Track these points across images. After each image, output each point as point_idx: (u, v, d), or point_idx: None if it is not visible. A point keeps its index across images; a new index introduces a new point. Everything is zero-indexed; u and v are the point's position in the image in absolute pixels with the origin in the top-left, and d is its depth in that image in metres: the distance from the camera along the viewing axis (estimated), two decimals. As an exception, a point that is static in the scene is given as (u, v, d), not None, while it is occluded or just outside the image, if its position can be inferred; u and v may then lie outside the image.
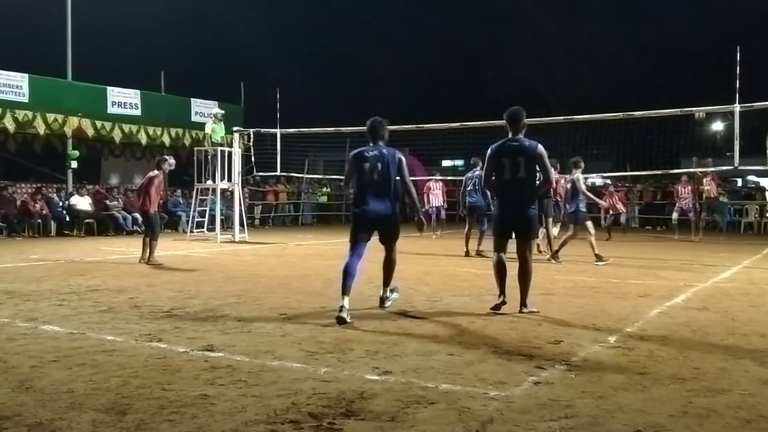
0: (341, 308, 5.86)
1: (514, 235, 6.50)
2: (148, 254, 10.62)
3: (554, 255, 10.94)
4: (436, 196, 18.27)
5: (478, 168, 11.70)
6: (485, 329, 5.59)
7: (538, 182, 6.71)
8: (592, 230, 11.07)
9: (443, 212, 18.69)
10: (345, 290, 6.02)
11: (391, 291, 6.68)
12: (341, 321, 5.74)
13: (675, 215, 17.64)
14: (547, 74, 33.50)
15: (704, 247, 14.74)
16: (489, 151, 6.50)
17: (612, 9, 33.20)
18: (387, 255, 6.58)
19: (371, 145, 6.47)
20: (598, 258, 10.70)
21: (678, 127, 17.14)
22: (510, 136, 6.42)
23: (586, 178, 12.21)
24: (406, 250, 13.43)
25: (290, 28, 38.89)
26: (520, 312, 6.30)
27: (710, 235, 17.86)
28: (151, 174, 10.91)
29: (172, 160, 18.62)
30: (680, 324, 5.87)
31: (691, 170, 17.89)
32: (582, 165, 11.13)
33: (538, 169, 6.42)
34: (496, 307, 6.29)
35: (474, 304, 6.88)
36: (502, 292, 6.36)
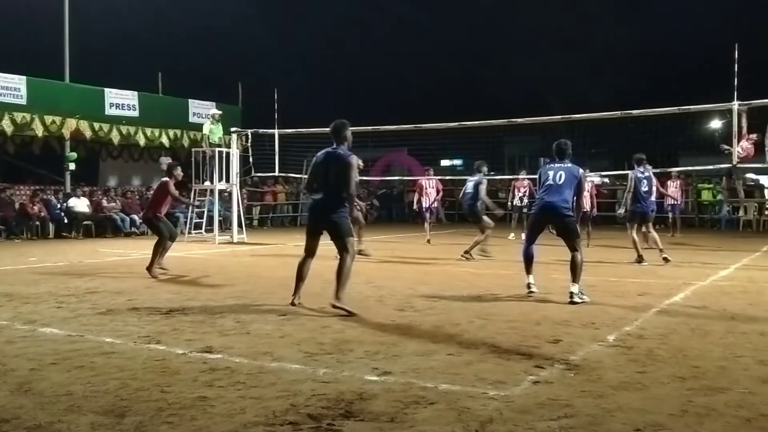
0: (528, 285, 7.38)
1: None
2: (159, 258, 9.56)
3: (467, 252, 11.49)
4: (428, 195, 15.91)
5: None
6: (484, 329, 5.59)
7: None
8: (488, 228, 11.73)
9: (434, 213, 16.60)
10: (528, 270, 7.46)
11: (581, 293, 7.06)
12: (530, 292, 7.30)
13: (671, 214, 17.74)
14: (546, 74, 33.56)
15: (696, 245, 14.76)
16: (314, 157, 6.98)
17: (612, 8, 33.25)
18: (571, 256, 7.24)
19: (557, 160, 7.62)
20: (466, 253, 11.46)
21: (676, 126, 17.12)
22: (334, 146, 6.86)
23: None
24: (407, 252, 13.43)
25: (288, 28, 38.88)
26: (333, 307, 6.34)
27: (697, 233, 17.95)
28: (161, 182, 10.18)
29: (170, 161, 18.69)
30: (679, 322, 5.87)
31: (681, 169, 18.00)
32: (485, 169, 11.96)
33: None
34: (292, 303, 6.70)
35: (473, 303, 6.88)
36: (296, 292, 6.78)
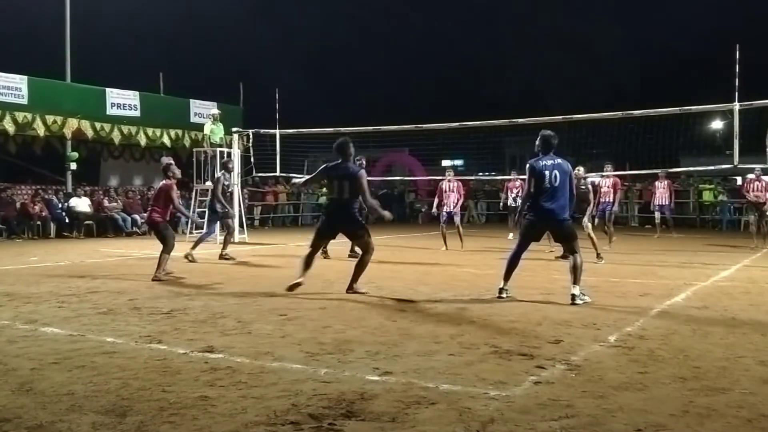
0: (502, 290, 7.17)
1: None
2: (157, 268, 9.14)
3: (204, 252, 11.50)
4: (447, 197, 14.20)
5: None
6: (485, 329, 5.59)
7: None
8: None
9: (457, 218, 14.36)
10: (507, 277, 7.23)
11: (583, 294, 6.98)
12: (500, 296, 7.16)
13: (657, 215, 17.67)
14: (546, 74, 33.55)
15: (693, 245, 14.76)
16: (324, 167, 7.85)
17: (612, 9, 33.23)
18: (572, 259, 7.10)
19: (546, 155, 7.23)
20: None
21: (677, 126, 17.14)
22: (339, 161, 7.59)
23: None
24: (406, 252, 13.44)
25: (289, 28, 38.93)
26: (349, 292, 7.42)
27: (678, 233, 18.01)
28: (164, 184, 9.61)
29: (170, 160, 18.67)
30: (680, 323, 5.87)
31: (682, 169, 17.85)
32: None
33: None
34: (292, 287, 7.42)
35: (474, 303, 6.88)
36: (302, 274, 7.51)
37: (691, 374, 4.23)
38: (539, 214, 7.07)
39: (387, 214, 7.92)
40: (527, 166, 7.30)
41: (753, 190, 14.49)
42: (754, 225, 14.60)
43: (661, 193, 17.51)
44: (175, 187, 9.58)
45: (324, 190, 26.65)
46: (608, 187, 13.98)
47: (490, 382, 4.04)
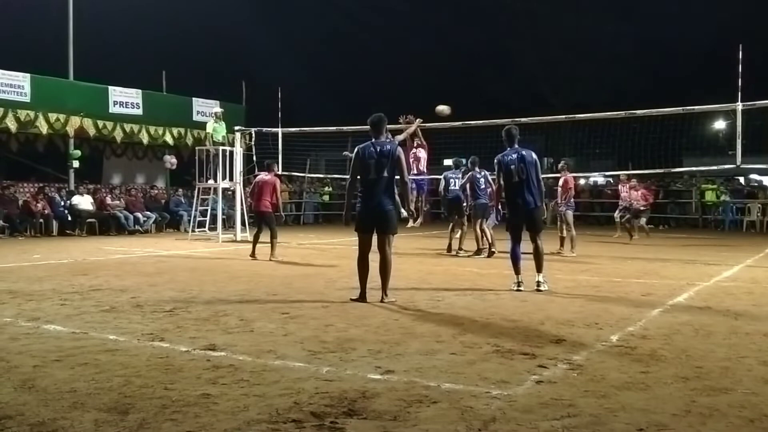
0: (518, 283, 7.47)
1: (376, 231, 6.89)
2: (272, 251, 11.31)
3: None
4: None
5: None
6: (487, 328, 5.59)
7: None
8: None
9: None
10: (518, 270, 7.55)
11: (544, 280, 7.56)
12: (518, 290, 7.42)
13: (617, 214, 17.48)
14: (548, 73, 33.44)
15: (692, 246, 14.74)
16: (355, 152, 7.02)
17: (613, 8, 33.11)
18: (534, 245, 7.63)
19: (511, 148, 7.71)
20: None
21: (680, 126, 17.11)
22: (373, 140, 6.95)
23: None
24: (408, 251, 13.44)
25: (292, 27, 38.88)
26: (381, 302, 6.69)
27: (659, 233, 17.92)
28: (271, 178, 11.60)
29: (174, 160, 18.73)
30: (683, 323, 5.86)
31: (641, 172, 17.83)
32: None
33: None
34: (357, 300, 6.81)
35: (476, 303, 6.88)
36: (363, 293, 6.84)
37: (693, 374, 4.22)
38: (515, 211, 7.65)
39: (404, 212, 7.68)
40: (495, 161, 7.86)
41: (629, 197, 16.59)
42: (640, 222, 16.98)
43: (626, 195, 17.17)
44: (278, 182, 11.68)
45: (326, 189, 26.77)
46: (560, 185, 13.09)
47: (492, 381, 4.03)
